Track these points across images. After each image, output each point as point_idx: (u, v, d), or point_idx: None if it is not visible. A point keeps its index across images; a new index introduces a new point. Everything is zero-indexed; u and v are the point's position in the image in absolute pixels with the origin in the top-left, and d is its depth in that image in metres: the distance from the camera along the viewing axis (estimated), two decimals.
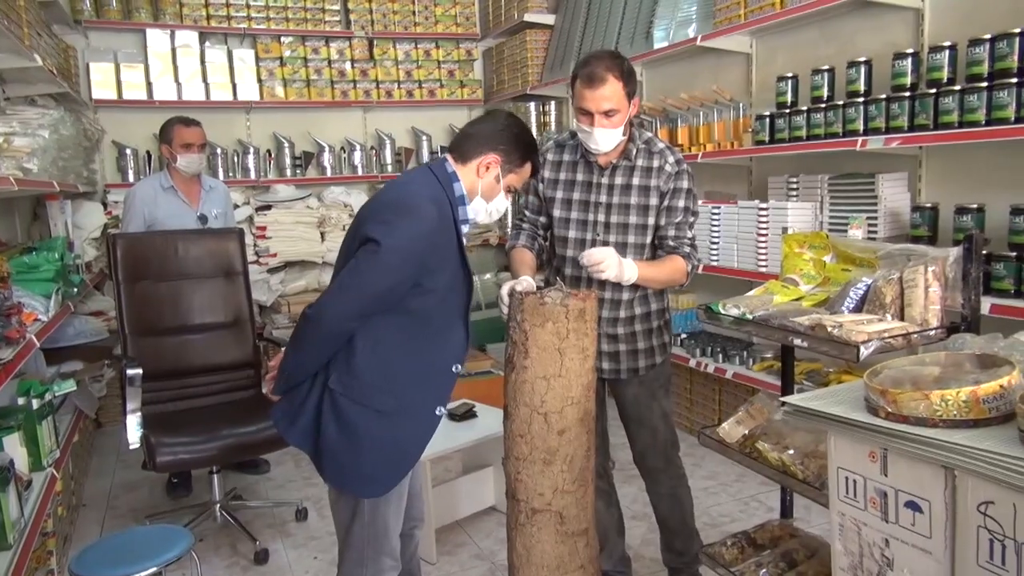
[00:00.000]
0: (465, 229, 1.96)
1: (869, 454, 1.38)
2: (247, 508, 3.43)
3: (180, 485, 3.67)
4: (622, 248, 2.25)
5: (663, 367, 2.43)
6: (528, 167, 1.98)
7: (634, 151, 2.26)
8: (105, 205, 4.81)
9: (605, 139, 2.17)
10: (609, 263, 2.08)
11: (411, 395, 1.89)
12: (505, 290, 2.09)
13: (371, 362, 1.84)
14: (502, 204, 2.00)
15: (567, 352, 1.95)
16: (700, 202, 2.38)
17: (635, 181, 2.25)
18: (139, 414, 2.83)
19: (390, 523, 1.96)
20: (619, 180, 2.27)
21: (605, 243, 2.27)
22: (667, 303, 2.45)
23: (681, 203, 2.25)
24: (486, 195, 1.96)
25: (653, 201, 2.25)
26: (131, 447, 2.82)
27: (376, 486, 1.90)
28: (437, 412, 1.97)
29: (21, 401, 2.54)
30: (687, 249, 2.26)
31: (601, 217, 2.28)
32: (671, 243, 2.26)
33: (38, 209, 4.38)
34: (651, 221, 2.25)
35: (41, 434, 2.59)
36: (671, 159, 2.26)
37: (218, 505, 3.23)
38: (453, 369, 1.97)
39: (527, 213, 2.45)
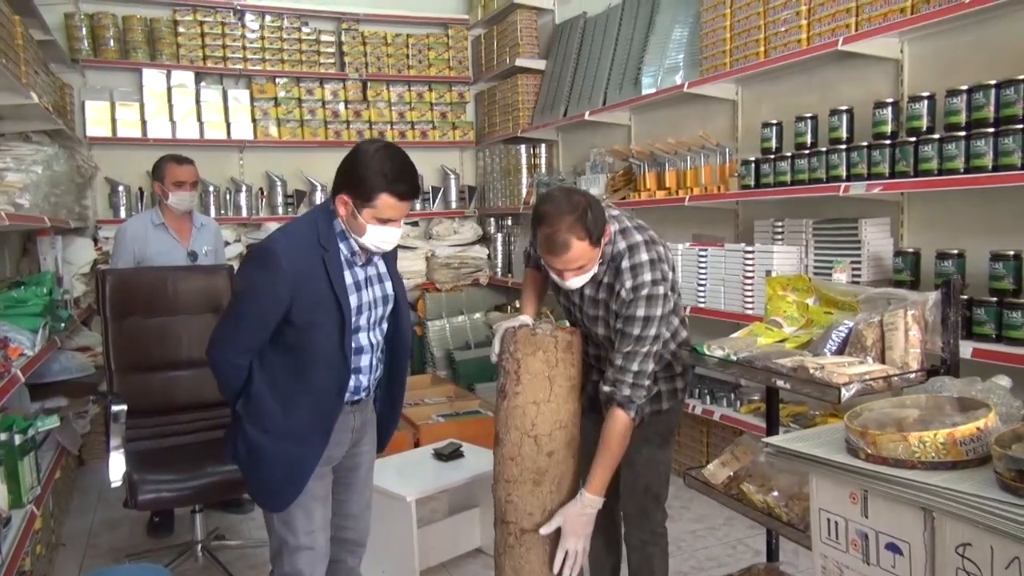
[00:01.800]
0: (361, 260, 2.05)
1: (850, 496, 1.39)
2: (229, 548, 3.38)
3: (162, 524, 3.62)
4: (601, 346, 2.22)
5: (668, 415, 2.30)
6: (383, 199, 1.91)
7: (603, 269, 2.10)
8: (96, 241, 4.82)
9: (578, 283, 2.07)
10: (573, 547, 2.04)
11: (298, 419, 2.02)
12: (499, 333, 2.16)
13: (264, 389, 2.02)
14: (385, 235, 1.98)
15: (556, 379, 2.08)
16: (671, 304, 2.10)
17: (600, 295, 2.13)
18: (122, 451, 2.80)
19: (300, 539, 2.09)
20: (587, 291, 2.15)
21: (586, 333, 2.22)
22: (678, 343, 2.25)
23: (633, 331, 2.04)
24: (355, 231, 1.98)
25: (612, 321, 2.12)
26: (113, 485, 2.78)
27: (276, 500, 2.07)
28: (323, 433, 2.06)
29: (3, 437, 2.51)
30: (626, 392, 2.05)
31: (577, 314, 2.22)
32: (607, 388, 2.08)
33: (28, 244, 4.38)
34: (614, 337, 2.13)
35: (22, 471, 2.56)
36: (628, 285, 2.04)
37: (200, 545, 3.18)
38: (338, 397, 2.06)
39: (531, 249, 2.38)
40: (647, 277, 2.04)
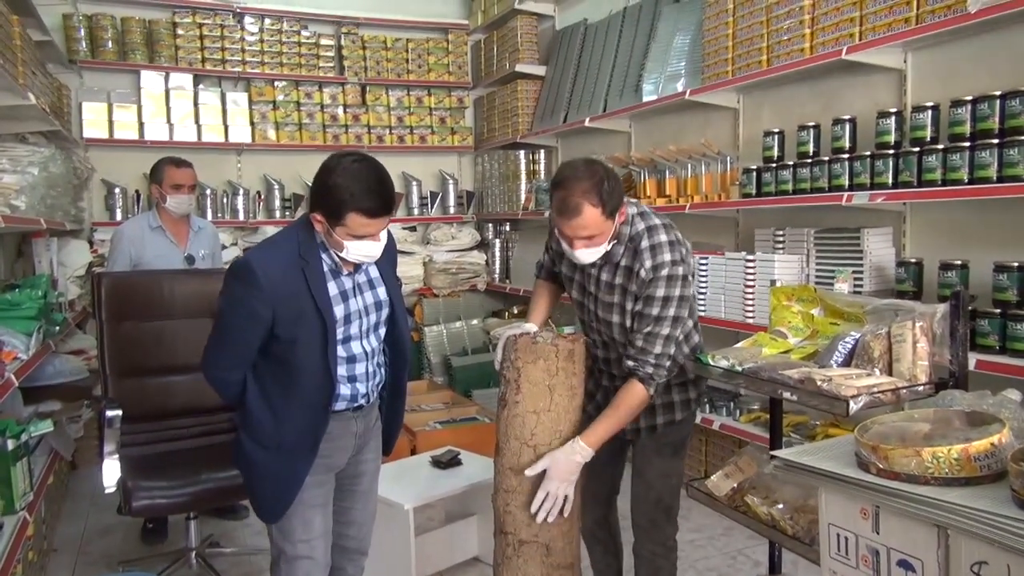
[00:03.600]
0: (347, 269, 2.01)
1: (860, 511, 1.37)
2: (223, 555, 3.35)
3: (156, 530, 3.58)
4: (612, 339, 2.17)
5: (681, 426, 2.27)
6: (352, 217, 1.85)
7: (620, 251, 2.09)
8: (91, 243, 4.78)
9: (587, 257, 2.04)
10: (557, 496, 2.01)
11: (288, 431, 2.01)
12: (502, 340, 2.15)
13: (257, 401, 2.02)
14: (365, 249, 1.92)
15: (556, 388, 2.06)
16: (691, 288, 2.11)
17: (617, 280, 2.10)
18: (117, 457, 2.76)
19: (298, 548, 2.07)
20: (604, 276, 2.13)
21: (599, 329, 2.19)
22: (689, 351, 2.21)
23: (653, 311, 2.03)
24: (334, 247, 1.94)
25: (628, 305, 2.10)
26: (107, 491, 2.75)
27: (269, 511, 2.06)
28: (312, 446, 2.04)
29: None
30: (648, 370, 2.04)
31: (591, 306, 2.20)
32: (631, 363, 2.06)
33: (23, 246, 4.34)
34: (629, 323, 2.11)
35: (15, 476, 2.52)
36: (648, 264, 2.03)
37: (194, 552, 3.15)
38: (324, 411, 2.03)
39: (545, 256, 2.40)
40: (667, 257, 2.03)
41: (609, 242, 2.04)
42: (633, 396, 2.06)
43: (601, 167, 2.00)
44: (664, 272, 2.02)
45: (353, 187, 1.83)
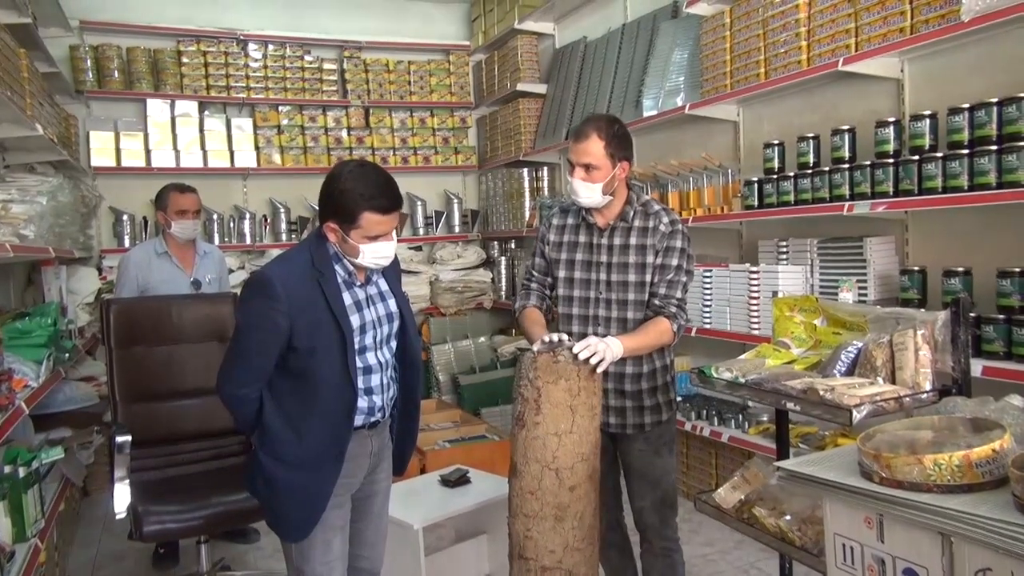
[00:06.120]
0: (359, 280, 2.07)
1: (865, 520, 1.37)
2: None
3: (167, 555, 3.58)
4: (623, 305, 2.30)
5: (668, 425, 2.41)
6: (366, 216, 1.93)
7: (632, 213, 2.32)
8: (100, 270, 4.83)
9: (582, 191, 2.25)
10: (599, 350, 2.04)
11: (312, 446, 2.01)
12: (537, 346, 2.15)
13: (276, 418, 2.02)
14: (380, 250, 2.00)
15: (578, 409, 2.02)
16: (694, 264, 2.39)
17: (632, 241, 2.31)
18: (127, 482, 2.78)
19: (318, 570, 2.07)
20: (617, 240, 2.32)
21: (608, 301, 2.32)
22: (671, 360, 2.44)
23: (674, 261, 2.28)
24: (349, 254, 2.01)
25: (649, 259, 2.29)
26: (118, 516, 2.76)
27: (295, 531, 2.06)
28: (336, 458, 2.05)
29: (7, 469, 2.50)
30: (672, 309, 2.26)
31: (603, 276, 2.33)
32: (657, 303, 2.27)
33: (32, 274, 4.39)
34: (648, 278, 2.29)
35: (26, 503, 2.54)
36: (665, 219, 2.31)
37: None
38: (347, 420, 2.05)
39: (535, 274, 2.51)
40: (677, 217, 2.35)
41: (607, 192, 2.24)
42: (659, 325, 2.22)
43: (618, 120, 2.31)
44: (680, 227, 2.31)
45: (363, 188, 1.92)
